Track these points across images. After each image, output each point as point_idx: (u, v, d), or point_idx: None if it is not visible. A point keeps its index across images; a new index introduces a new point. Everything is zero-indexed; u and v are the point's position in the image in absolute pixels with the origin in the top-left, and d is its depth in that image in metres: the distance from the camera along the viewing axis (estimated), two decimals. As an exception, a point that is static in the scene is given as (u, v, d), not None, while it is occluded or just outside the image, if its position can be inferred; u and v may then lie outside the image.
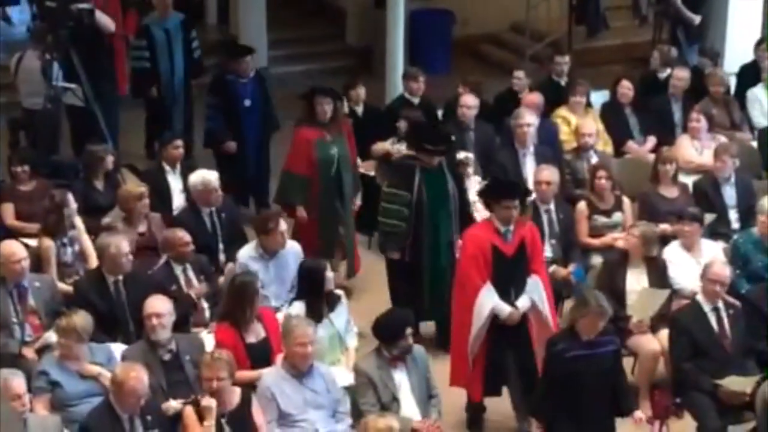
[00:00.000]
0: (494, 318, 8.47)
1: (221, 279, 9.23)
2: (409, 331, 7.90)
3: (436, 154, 9.56)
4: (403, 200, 9.52)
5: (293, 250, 9.29)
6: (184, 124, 12.52)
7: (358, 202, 10.75)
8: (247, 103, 11.67)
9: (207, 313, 8.79)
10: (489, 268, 8.46)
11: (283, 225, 9.23)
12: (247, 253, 9.17)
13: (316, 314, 8.35)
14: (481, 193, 8.95)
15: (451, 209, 9.63)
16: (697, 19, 14.07)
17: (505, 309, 8.46)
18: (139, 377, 7.17)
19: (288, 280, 9.09)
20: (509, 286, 8.51)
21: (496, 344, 8.53)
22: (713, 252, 9.44)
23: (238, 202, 10.99)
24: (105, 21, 11.74)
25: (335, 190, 10.37)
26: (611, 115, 12.08)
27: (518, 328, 8.55)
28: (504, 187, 8.90)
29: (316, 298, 8.48)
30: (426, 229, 9.56)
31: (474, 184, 10.76)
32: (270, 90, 12.10)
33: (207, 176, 9.74)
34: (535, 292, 8.58)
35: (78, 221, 9.45)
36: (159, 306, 7.92)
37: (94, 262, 9.10)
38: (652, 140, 11.93)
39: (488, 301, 8.43)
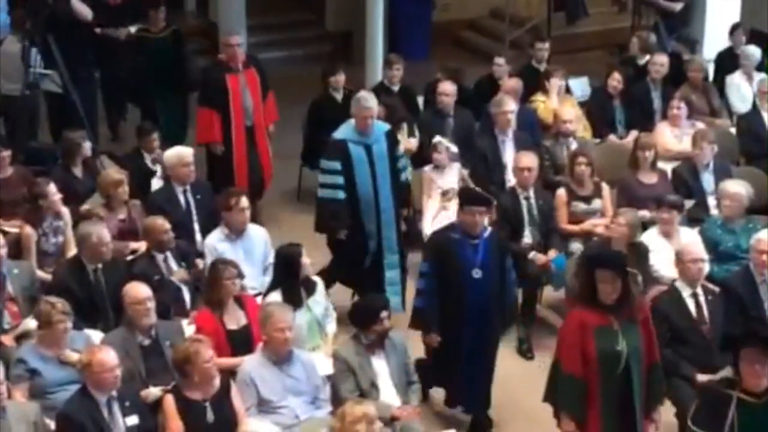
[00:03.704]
0: None
1: (200, 262, 9.22)
2: (384, 314, 7.87)
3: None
4: None
5: (260, 232, 9.39)
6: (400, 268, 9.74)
7: None
8: (477, 274, 8.34)
9: (188, 305, 8.76)
10: None
11: (245, 202, 9.23)
12: (214, 236, 9.27)
13: (293, 300, 8.31)
14: None
15: None
16: (677, 6, 14.09)
17: None
18: (104, 351, 7.19)
19: (258, 261, 9.16)
20: None
21: None
22: (691, 239, 9.44)
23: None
24: (81, 9, 11.68)
25: (619, 394, 7.27)
26: (598, 104, 12.09)
27: None
28: None
29: (293, 285, 8.46)
30: None
31: (453, 171, 10.76)
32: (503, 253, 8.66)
33: (182, 151, 9.90)
34: None
35: (66, 215, 9.42)
36: (144, 291, 7.91)
37: (71, 253, 9.07)
38: (633, 135, 11.92)
39: None
